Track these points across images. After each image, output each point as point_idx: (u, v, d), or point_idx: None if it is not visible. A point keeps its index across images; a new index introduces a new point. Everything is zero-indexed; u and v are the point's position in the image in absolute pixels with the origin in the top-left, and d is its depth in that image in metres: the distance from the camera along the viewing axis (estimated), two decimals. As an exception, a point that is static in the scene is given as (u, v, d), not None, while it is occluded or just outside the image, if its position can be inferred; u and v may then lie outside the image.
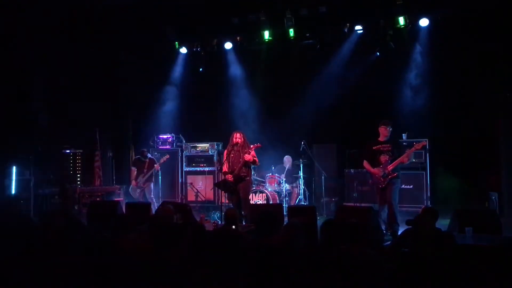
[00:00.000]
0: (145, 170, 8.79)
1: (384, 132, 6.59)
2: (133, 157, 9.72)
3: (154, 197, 8.91)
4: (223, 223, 6.61)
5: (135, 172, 8.89)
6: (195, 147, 9.90)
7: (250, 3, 8.77)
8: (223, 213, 6.80)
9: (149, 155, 9.11)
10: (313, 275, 3.29)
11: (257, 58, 9.69)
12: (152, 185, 8.92)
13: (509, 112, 7.78)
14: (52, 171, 9.51)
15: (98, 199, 8.86)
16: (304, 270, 3.31)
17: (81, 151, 9.87)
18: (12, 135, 9.11)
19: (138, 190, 8.80)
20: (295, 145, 8.84)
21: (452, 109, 8.27)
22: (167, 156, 9.08)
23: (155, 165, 8.86)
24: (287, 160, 9.21)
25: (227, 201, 7.73)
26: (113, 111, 10.24)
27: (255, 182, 8.75)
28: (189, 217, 5.95)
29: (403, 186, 7.14)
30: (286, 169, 9.06)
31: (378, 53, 8.88)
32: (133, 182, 8.84)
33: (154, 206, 7.81)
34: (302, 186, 8.82)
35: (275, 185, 8.79)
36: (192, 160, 9.87)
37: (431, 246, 3.59)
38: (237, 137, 7.07)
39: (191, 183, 9.73)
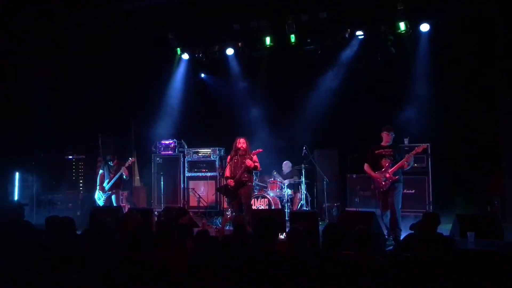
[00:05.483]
0: (111, 175, 8.30)
1: (386, 137, 6.69)
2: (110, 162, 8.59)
3: (129, 203, 8.48)
4: (228, 228, 6.65)
5: (103, 176, 8.40)
6: (197, 152, 9.90)
7: (252, 10, 8.80)
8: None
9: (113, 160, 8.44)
10: (315, 280, 3.29)
11: (259, 64, 9.71)
12: (120, 191, 8.44)
13: (511, 117, 7.77)
14: (55, 177, 9.54)
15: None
16: (306, 275, 3.32)
17: (83, 157, 9.91)
18: (14, 141, 9.15)
19: (104, 197, 8.30)
20: (297, 150, 8.85)
21: (453, 114, 8.28)
22: (133, 159, 8.59)
23: (123, 168, 8.19)
24: (286, 165, 9.24)
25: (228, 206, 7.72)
26: (115, 117, 10.27)
27: (257, 187, 8.76)
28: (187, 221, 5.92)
29: (405, 190, 7.14)
30: (284, 174, 9.11)
31: (379, 58, 8.91)
32: (99, 187, 8.37)
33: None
34: (304, 191, 8.82)
35: (277, 190, 8.79)
36: (194, 165, 9.87)
37: (433, 251, 3.59)
38: (241, 142, 7.12)
39: (193, 189, 9.74)
